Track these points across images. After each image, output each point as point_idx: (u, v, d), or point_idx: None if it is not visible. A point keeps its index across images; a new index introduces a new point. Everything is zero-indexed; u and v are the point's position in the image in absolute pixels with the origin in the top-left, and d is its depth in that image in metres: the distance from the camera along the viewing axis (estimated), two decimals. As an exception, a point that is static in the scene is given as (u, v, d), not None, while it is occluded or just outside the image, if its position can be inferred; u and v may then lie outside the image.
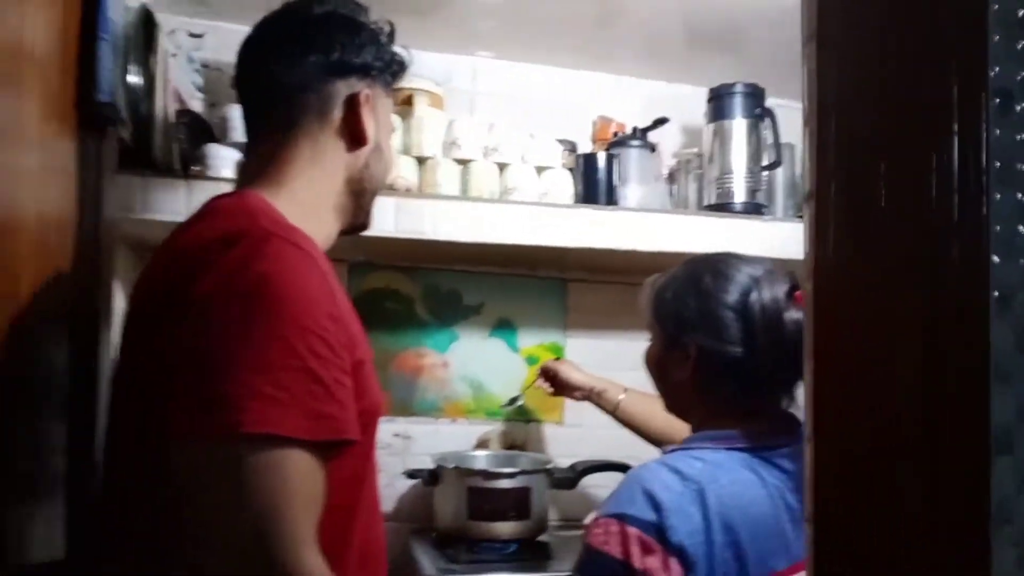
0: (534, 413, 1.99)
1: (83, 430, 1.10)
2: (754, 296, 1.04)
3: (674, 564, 0.91)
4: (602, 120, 1.98)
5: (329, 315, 0.79)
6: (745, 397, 1.05)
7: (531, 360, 1.99)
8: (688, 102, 1.99)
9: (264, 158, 0.97)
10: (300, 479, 0.75)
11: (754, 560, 0.94)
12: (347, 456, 0.81)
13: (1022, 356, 0.42)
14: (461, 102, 1.92)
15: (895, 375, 0.48)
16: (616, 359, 2.00)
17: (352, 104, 0.98)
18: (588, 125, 1.99)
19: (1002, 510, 0.41)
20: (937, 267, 0.45)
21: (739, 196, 1.80)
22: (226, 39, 1.76)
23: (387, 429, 1.85)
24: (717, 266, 1.10)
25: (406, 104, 1.71)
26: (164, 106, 1.30)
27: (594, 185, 1.75)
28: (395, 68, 1.04)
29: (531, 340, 2.00)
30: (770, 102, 1.83)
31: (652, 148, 1.88)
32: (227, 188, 1.41)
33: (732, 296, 1.05)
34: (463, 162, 1.69)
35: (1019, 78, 0.43)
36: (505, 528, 1.59)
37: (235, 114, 1.55)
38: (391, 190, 1.55)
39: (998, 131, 0.43)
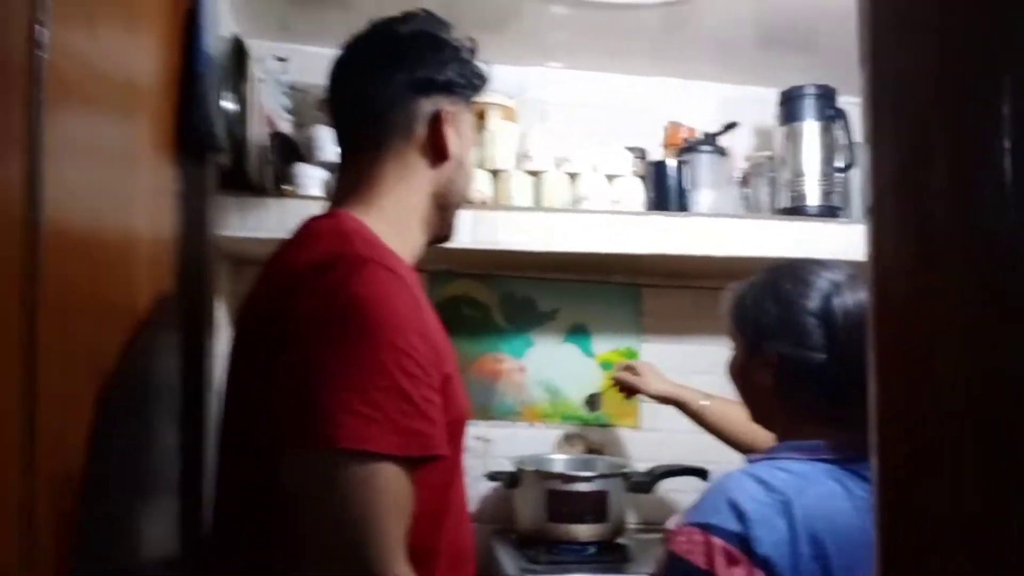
0: (611, 418, 2.01)
1: (194, 434, 1.19)
2: (836, 301, 1.03)
3: (759, 575, 0.91)
4: (672, 125, 1.98)
5: (419, 335, 0.83)
6: (829, 405, 1.03)
7: (606, 365, 2.01)
8: (760, 104, 1.98)
9: (355, 177, 1.01)
10: (391, 492, 0.79)
11: (840, 573, 0.92)
12: (436, 465, 0.85)
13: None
14: (533, 113, 1.96)
15: (955, 385, 0.48)
16: (691, 363, 2.00)
17: (436, 121, 1.00)
18: (659, 131, 1.99)
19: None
20: (996, 277, 0.46)
21: (812, 199, 1.78)
22: (309, 61, 1.85)
23: (468, 432, 1.89)
24: (797, 272, 1.09)
25: (479, 118, 1.76)
26: (256, 129, 1.38)
27: (665, 191, 1.76)
28: (477, 84, 1.07)
29: (605, 345, 2.02)
30: (843, 101, 1.81)
31: (723, 152, 1.88)
32: (316, 205, 1.49)
33: (813, 302, 1.04)
34: (535, 173, 1.73)
35: (1074, 89, 0.44)
36: (583, 530, 1.61)
37: (321, 134, 1.63)
38: (468, 203, 1.60)
39: (1054, 143, 0.44)
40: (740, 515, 0.93)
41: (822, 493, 0.96)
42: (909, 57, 0.54)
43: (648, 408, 2.01)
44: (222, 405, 0.95)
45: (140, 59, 1.00)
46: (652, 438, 1.99)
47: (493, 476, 1.73)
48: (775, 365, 1.05)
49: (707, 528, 0.94)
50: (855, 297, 1.03)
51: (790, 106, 1.83)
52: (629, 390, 1.74)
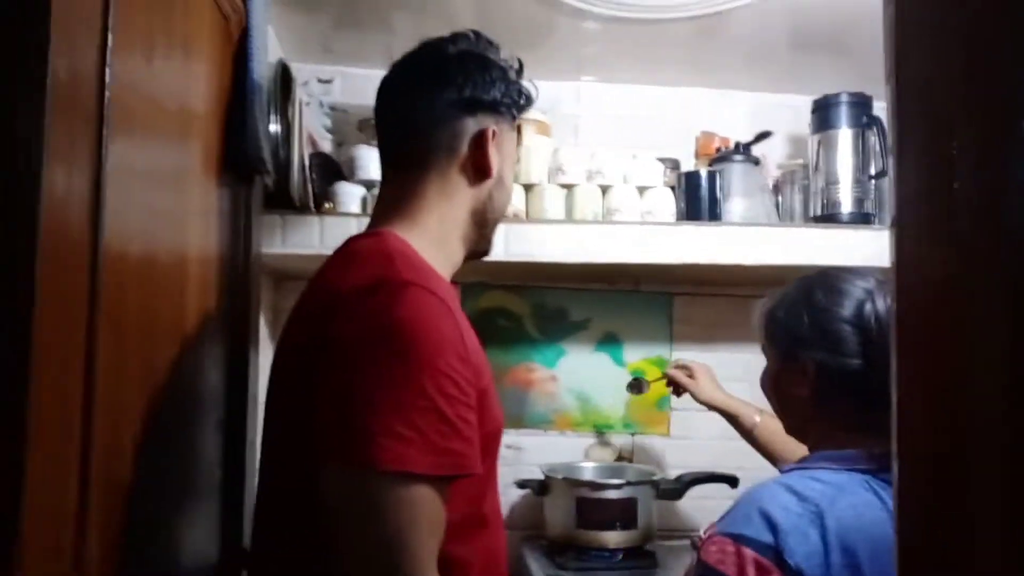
0: (640, 426, 2.02)
1: (236, 445, 1.23)
2: (868, 308, 1.03)
3: None
4: (705, 135, 1.99)
5: (458, 356, 0.85)
6: (867, 412, 1.00)
7: (636, 373, 2.03)
8: (794, 111, 1.98)
9: (398, 194, 1.03)
10: (426, 511, 0.82)
11: None
12: (471, 480, 0.88)
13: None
14: (566, 126, 1.99)
15: (975, 388, 0.50)
16: (724, 371, 2.00)
17: (480, 140, 1.01)
18: (691, 141, 2.01)
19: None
20: (1014, 289, 0.47)
21: (846, 206, 1.78)
22: (351, 83, 1.91)
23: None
24: (828, 281, 1.09)
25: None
26: (300, 150, 1.43)
27: (696, 201, 1.77)
28: (522, 104, 1.08)
29: (637, 354, 2.04)
30: (878, 107, 1.80)
31: (756, 161, 1.88)
32: (355, 222, 1.54)
33: (847, 310, 1.04)
34: (567, 187, 1.76)
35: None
36: (612, 537, 1.63)
37: (361, 153, 1.69)
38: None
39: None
40: (772, 526, 0.93)
41: (856, 503, 0.96)
42: (934, 68, 0.55)
43: (678, 416, 2.02)
44: (265, 420, 0.99)
45: (193, 87, 1.05)
46: (682, 445, 2.01)
47: (523, 484, 1.75)
48: (811, 374, 1.05)
49: (739, 539, 0.94)
50: (887, 303, 1.03)
51: (823, 114, 1.83)
52: (679, 389, 1.72)
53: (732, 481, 1.70)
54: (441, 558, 0.84)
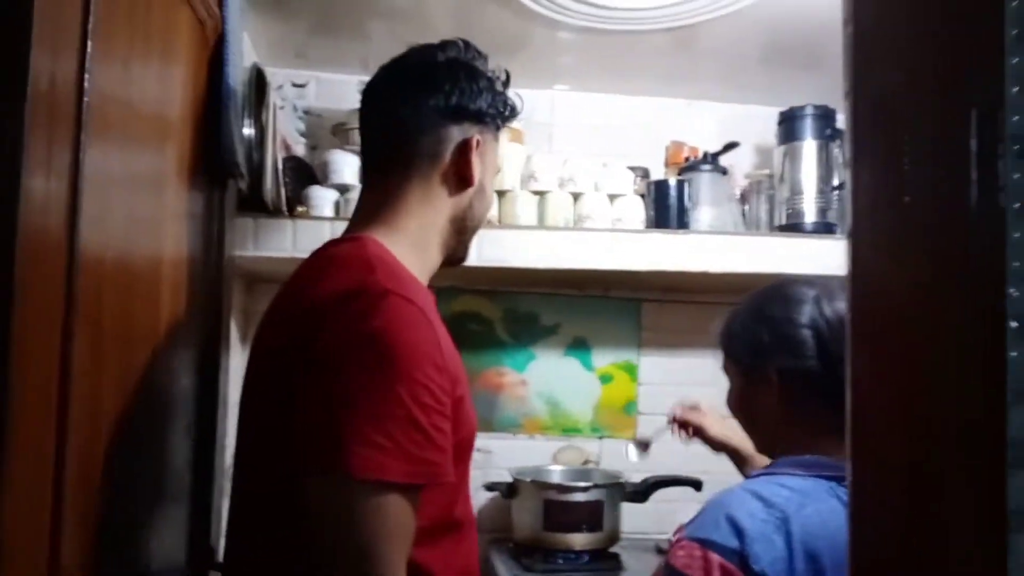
0: (608, 430, 2.05)
1: (206, 447, 1.23)
2: (820, 311, 1.06)
3: None
4: (674, 144, 2.03)
5: (435, 366, 0.86)
6: (832, 414, 1.02)
7: (605, 379, 2.06)
8: (761, 123, 2.03)
9: (379, 199, 1.03)
10: (398, 519, 0.83)
11: None
12: (443, 487, 0.89)
13: (1037, 380, 0.46)
14: (540, 134, 2.02)
15: (924, 397, 0.52)
16: (689, 377, 2.04)
17: (464, 149, 1.02)
18: (661, 150, 2.05)
19: (1018, 518, 0.45)
20: (960, 300, 0.50)
21: (809, 216, 1.83)
22: (325, 87, 1.93)
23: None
24: (778, 292, 1.12)
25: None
26: (273, 154, 1.43)
27: (665, 210, 1.80)
28: (507, 114, 1.09)
29: (605, 359, 2.07)
30: (842, 120, 1.85)
31: (724, 171, 1.93)
32: (328, 226, 1.54)
33: (804, 316, 1.07)
34: (539, 193, 1.79)
35: (1035, 126, 0.48)
36: (579, 539, 1.65)
37: (335, 157, 1.70)
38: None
39: (1016, 175, 0.48)
40: (739, 531, 0.95)
41: (821, 510, 0.98)
42: (889, 87, 0.58)
43: (645, 420, 2.05)
44: (240, 425, 0.99)
45: (170, 92, 1.05)
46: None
47: (491, 487, 1.77)
48: (775, 382, 1.07)
49: (706, 544, 0.96)
50: (840, 305, 1.06)
51: (789, 125, 1.88)
52: (689, 431, 1.62)
53: (696, 485, 1.74)
54: (411, 563, 0.85)
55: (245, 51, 1.34)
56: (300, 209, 1.61)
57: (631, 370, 2.06)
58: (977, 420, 0.47)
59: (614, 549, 1.71)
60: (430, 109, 1.02)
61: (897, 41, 0.57)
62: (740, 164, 2.06)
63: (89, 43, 0.72)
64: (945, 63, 0.52)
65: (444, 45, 1.06)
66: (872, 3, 0.59)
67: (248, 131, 1.33)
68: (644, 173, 1.94)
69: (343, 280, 0.90)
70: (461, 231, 1.06)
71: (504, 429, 2.00)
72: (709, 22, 1.70)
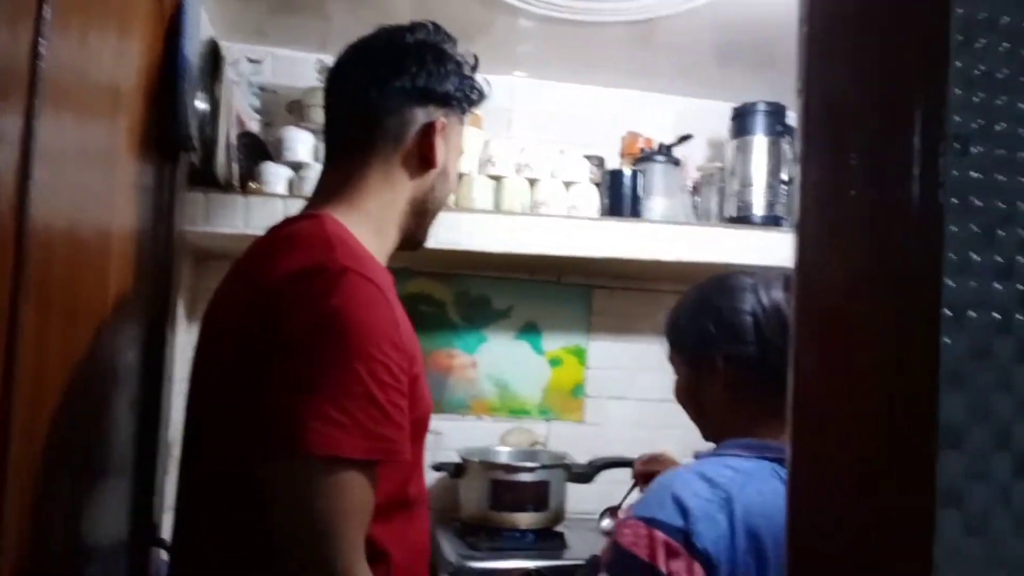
0: (556, 413, 2.09)
1: (150, 424, 1.21)
2: (758, 299, 1.10)
3: (697, 568, 0.96)
4: (630, 135, 2.06)
5: (392, 344, 0.86)
6: (775, 398, 1.02)
7: (555, 362, 2.08)
8: (714, 117, 2.07)
9: (340, 177, 1.03)
10: (355, 495, 0.83)
11: (775, 566, 0.97)
12: (399, 464, 0.89)
13: (969, 366, 0.49)
14: (498, 120, 2.02)
15: (862, 380, 0.55)
16: (637, 362, 2.09)
17: (428, 131, 1.02)
18: (617, 140, 2.07)
19: (947, 496, 0.48)
20: (899, 288, 0.52)
21: (758, 209, 1.88)
22: (281, 64, 1.90)
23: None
24: (722, 282, 1.15)
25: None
26: (227, 129, 1.41)
27: (619, 199, 1.83)
28: (474, 98, 1.09)
29: (556, 343, 2.09)
30: (792, 116, 1.90)
31: (677, 163, 1.96)
32: (281, 204, 1.53)
33: (747, 303, 1.10)
34: (496, 178, 1.79)
35: (975, 125, 0.51)
36: (524, 518, 1.68)
37: (290, 135, 1.68)
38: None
39: (955, 171, 0.51)
40: (683, 510, 0.99)
41: (763, 490, 1.01)
42: (836, 90, 0.60)
43: (592, 403, 2.09)
44: (190, 403, 0.97)
45: (125, 63, 1.03)
46: (594, 432, 2.08)
47: (439, 467, 1.78)
48: (721, 369, 1.10)
49: (651, 522, 0.99)
50: (776, 294, 1.10)
51: (742, 121, 1.92)
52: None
53: (640, 467, 1.77)
54: (365, 540, 0.85)
55: (202, 25, 1.31)
56: (253, 186, 1.59)
57: (580, 354, 2.09)
58: (911, 403, 0.50)
59: (559, 528, 1.75)
60: (396, 90, 1.02)
61: (849, 42, 0.60)
62: (693, 156, 2.09)
63: (46, 10, 0.70)
64: (893, 65, 0.54)
65: (414, 27, 1.06)
66: (826, 5, 0.62)
67: (202, 105, 1.31)
68: (599, 162, 1.96)
69: (301, 258, 0.90)
70: (421, 213, 1.06)
71: (453, 410, 2.01)
72: (667, 18, 1.73)
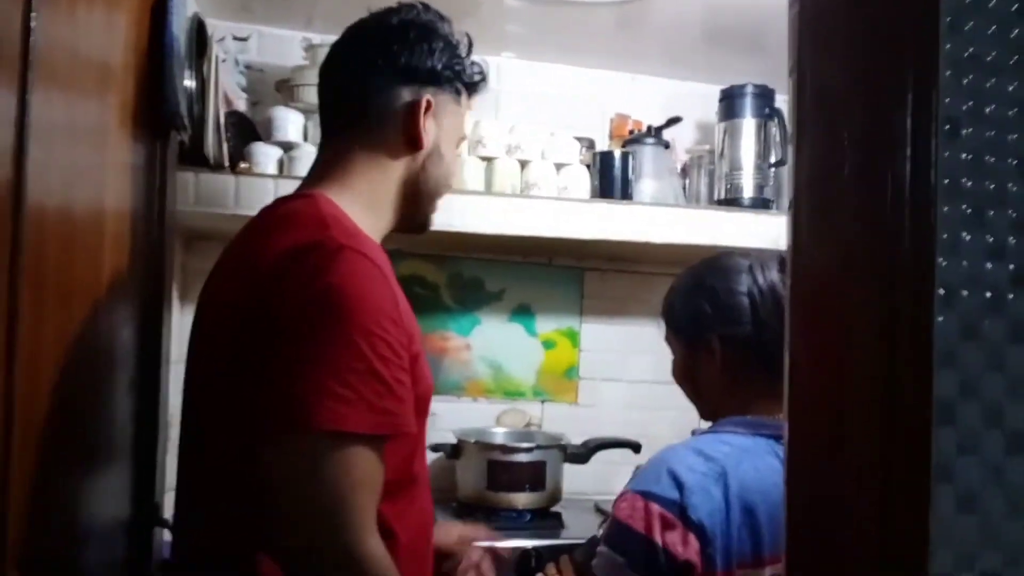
0: (550, 394, 2.10)
1: (149, 404, 1.21)
2: (754, 279, 1.11)
3: (692, 539, 0.98)
4: (619, 117, 2.06)
5: (392, 320, 0.87)
6: (770, 376, 1.06)
7: (548, 344, 2.09)
8: (703, 100, 2.07)
9: (330, 158, 1.04)
10: (364, 470, 0.84)
11: (770, 540, 1.00)
12: (403, 440, 0.90)
13: (962, 344, 0.50)
14: (487, 101, 2.01)
15: (857, 359, 0.56)
16: (629, 344, 2.11)
17: (412, 109, 1.02)
18: (606, 122, 2.07)
19: (942, 471, 0.49)
20: (893, 268, 0.53)
21: (747, 191, 1.89)
22: (267, 42, 1.88)
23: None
24: (715, 264, 1.17)
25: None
26: (215, 107, 1.40)
27: (610, 181, 1.83)
28: (468, 78, 1.08)
29: (548, 325, 2.10)
30: (782, 100, 1.90)
31: (666, 145, 1.97)
32: (271, 183, 1.52)
33: (743, 284, 1.12)
34: (487, 159, 1.79)
35: (965, 107, 0.51)
36: (521, 498, 1.69)
37: (279, 114, 1.66)
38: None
39: (946, 153, 0.51)
40: (679, 484, 1.01)
41: (758, 466, 1.03)
42: (828, 70, 0.61)
43: (586, 384, 2.10)
44: (189, 384, 0.98)
45: (114, 39, 1.02)
46: (589, 413, 2.10)
47: (435, 447, 1.79)
48: (718, 350, 1.12)
49: (647, 495, 1.02)
50: (772, 274, 1.11)
51: (730, 103, 1.92)
52: None
53: (635, 447, 1.79)
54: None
55: (187, 1, 1.30)
56: (243, 165, 1.58)
57: (573, 336, 2.10)
58: (907, 381, 0.51)
59: (555, 508, 1.76)
60: (378, 69, 1.02)
61: (840, 24, 0.60)
62: (682, 139, 2.10)
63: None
64: (884, 47, 0.55)
65: (401, 7, 1.06)
66: (818, -14, 0.62)
67: (189, 83, 1.30)
68: (590, 144, 1.96)
69: (297, 236, 0.90)
70: (415, 195, 1.06)
71: (448, 392, 2.02)
72: (656, 0, 1.72)
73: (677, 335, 1.19)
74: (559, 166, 1.83)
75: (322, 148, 1.07)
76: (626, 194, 1.83)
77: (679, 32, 1.90)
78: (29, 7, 0.69)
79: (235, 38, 1.82)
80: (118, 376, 1.11)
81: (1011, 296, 0.51)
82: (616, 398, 2.10)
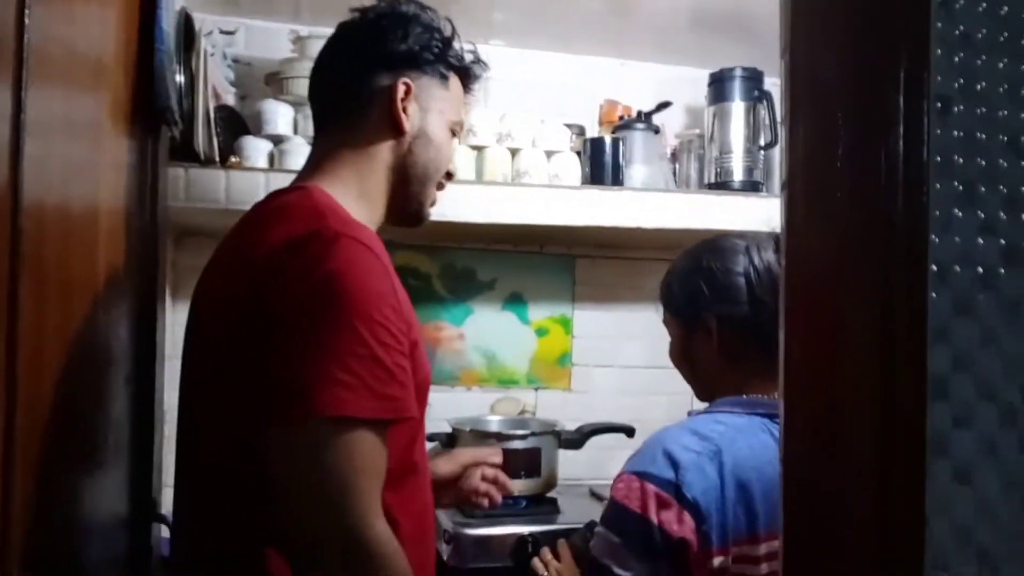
0: (543, 382, 2.11)
1: (145, 400, 1.21)
2: (751, 260, 1.13)
3: (687, 517, 1.00)
4: (608, 103, 2.06)
5: (391, 307, 0.87)
6: (766, 356, 1.09)
7: (541, 332, 2.09)
8: (691, 84, 2.08)
9: (320, 151, 1.05)
10: (368, 455, 0.84)
11: (765, 517, 1.02)
12: (404, 425, 0.91)
13: (955, 319, 0.51)
14: (477, 90, 2.00)
15: (852, 337, 0.56)
16: (621, 329, 2.12)
17: (390, 94, 1.03)
18: (595, 108, 2.07)
19: (937, 444, 0.50)
20: (886, 246, 0.54)
21: (737, 174, 1.90)
22: (254, 35, 1.87)
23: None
24: (712, 245, 1.18)
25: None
26: (205, 101, 1.39)
27: (601, 167, 1.84)
28: (455, 60, 1.09)
29: (541, 313, 2.11)
30: (769, 83, 1.91)
31: (656, 130, 1.97)
32: (262, 178, 1.52)
33: (740, 265, 1.13)
34: (478, 148, 1.79)
35: (957, 85, 0.52)
36: (517, 485, 1.69)
37: (268, 107, 1.66)
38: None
39: (938, 130, 0.52)
40: (674, 463, 1.02)
41: (753, 444, 1.05)
42: (821, 50, 0.61)
43: (579, 371, 2.11)
44: (185, 379, 0.98)
45: (105, 35, 1.01)
46: (582, 399, 2.11)
47: (431, 437, 1.79)
48: (715, 329, 1.13)
49: (643, 476, 1.03)
50: (769, 255, 1.12)
51: (719, 86, 1.93)
52: None
53: (629, 431, 1.80)
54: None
55: (174, -7, 1.30)
56: (233, 160, 1.58)
57: (566, 323, 2.11)
58: (902, 357, 0.52)
59: (551, 494, 1.77)
60: (352, 60, 1.04)
61: (832, 3, 0.61)
62: (671, 124, 2.11)
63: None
64: (877, 26, 0.55)
65: (382, 2, 1.07)
66: (810, -35, 0.62)
67: (178, 77, 1.30)
68: (580, 130, 1.96)
69: (294, 227, 0.90)
70: (405, 181, 1.06)
71: (442, 382, 2.03)
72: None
73: (675, 316, 1.20)
74: (550, 153, 1.83)
75: (314, 143, 1.09)
76: (617, 180, 1.84)
77: (667, 17, 1.90)
78: (23, 2, 0.68)
79: (222, 31, 1.81)
80: (115, 372, 1.11)
81: (1003, 271, 0.51)
82: (609, 384, 2.11)
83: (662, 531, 1.00)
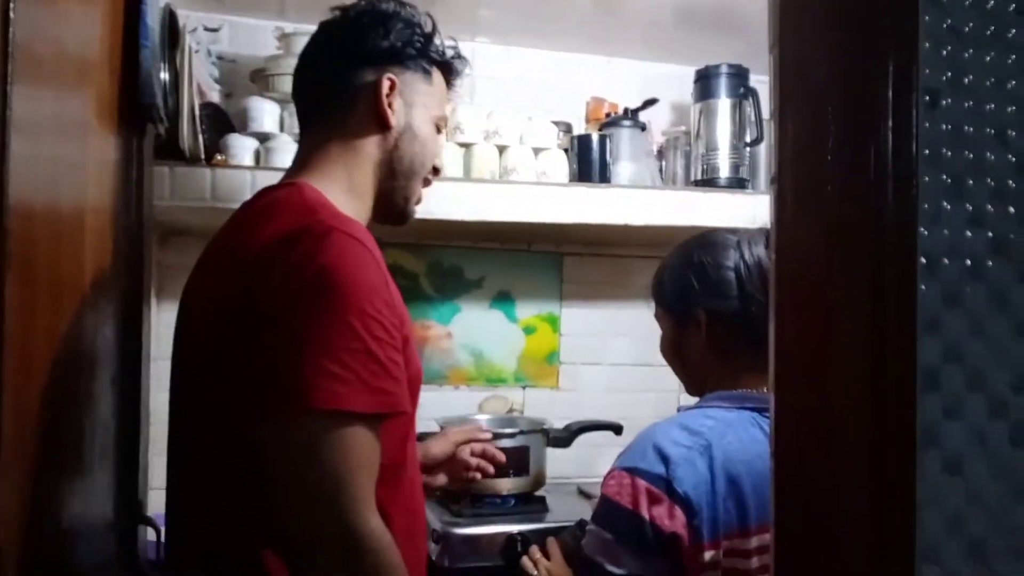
0: (531, 380, 2.11)
1: (131, 401, 1.20)
2: (742, 254, 1.13)
3: (678, 512, 1.00)
4: (595, 100, 2.06)
5: (384, 301, 0.87)
6: (756, 350, 1.10)
7: (528, 330, 2.09)
8: (678, 81, 2.09)
9: (308, 148, 1.06)
10: (362, 449, 0.84)
11: (755, 510, 1.03)
12: (397, 420, 0.90)
13: (945, 311, 0.51)
14: (463, 86, 2.00)
15: (842, 330, 0.57)
16: (609, 327, 2.12)
17: (375, 89, 1.03)
18: (582, 106, 2.07)
19: (927, 435, 0.50)
20: (876, 239, 0.54)
21: (724, 171, 1.90)
22: (239, 32, 1.86)
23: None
24: (703, 240, 1.19)
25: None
26: (190, 99, 1.38)
27: (588, 164, 1.84)
28: (437, 56, 1.09)
29: (529, 311, 2.11)
30: (754, 80, 1.92)
31: (643, 127, 1.97)
32: (248, 175, 1.51)
33: (730, 259, 1.14)
34: (465, 146, 1.78)
35: (945, 78, 0.52)
36: (505, 484, 1.70)
37: (253, 104, 1.64)
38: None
39: (927, 124, 0.52)
40: (664, 458, 1.03)
41: (743, 438, 1.06)
42: (809, 45, 0.61)
43: (566, 369, 2.11)
44: (176, 379, 0.97)
45: (89, 32, 1.01)
46: (569, 397, 2.11)
47: (420, 436, 1.78)
48: (704, 323, 1.14)
49: (634, 471, 1.03)
50: (759, 250, 1.13)
51: (705, 83, 1.94)
52: None
53: (617, 429, 1.81)
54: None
55: (158, -10, 1.29)
56: (219, 158, 1.57)
57: (553, 321, 2.11)
58: (892, 349, 0.52)
59: (539, 493, 1.77)
60: (333, 57, 1.05)
61: (819, -1, 0.61)
62: (657, 121, 2.11)
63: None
64: (865, 20, 0.56)
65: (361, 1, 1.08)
66: (798, -40, 0.63)
67: (162, 75, 1.29)
68: (567, 128, 1.96)
69: (284, 223, 0.90)
70: (392, 176, 1.07)
71: (430, 381, 2.02)
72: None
73: (666, 311, 1.21)
74: (537, 151, 1.83)
75: (301, 141, 1.09)
76: (604, 177, 1.84)
77: (653, 14, 1.90)
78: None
79: (206, 28, 1.79)
80: (102, 373, 1.10)
81: (991, 263, 0.52)
82: (597, 382, 2.12)
83: (654, 526, 1.00)
